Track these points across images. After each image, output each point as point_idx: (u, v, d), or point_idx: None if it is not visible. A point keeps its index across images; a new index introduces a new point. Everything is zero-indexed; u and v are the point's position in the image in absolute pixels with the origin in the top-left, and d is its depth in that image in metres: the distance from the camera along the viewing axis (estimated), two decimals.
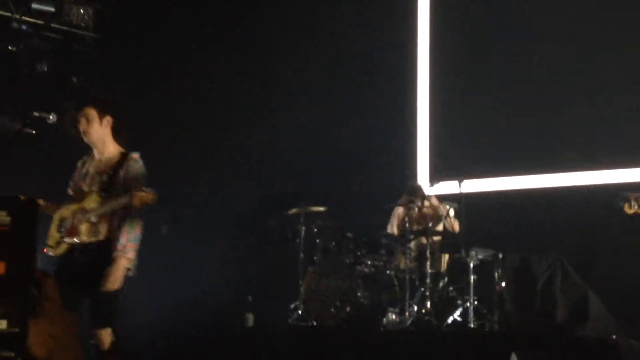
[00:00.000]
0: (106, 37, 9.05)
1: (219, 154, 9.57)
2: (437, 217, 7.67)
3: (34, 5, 8.47)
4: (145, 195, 4.54)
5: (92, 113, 4.80)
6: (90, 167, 4.87)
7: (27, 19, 8.61)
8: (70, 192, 4.90)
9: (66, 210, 4.74)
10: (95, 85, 8.47)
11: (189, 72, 9.59)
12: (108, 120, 4.85)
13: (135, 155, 4.84)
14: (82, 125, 4.79)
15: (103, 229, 4.67)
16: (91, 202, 4.67)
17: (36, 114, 4.65)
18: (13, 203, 1.22)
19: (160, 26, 9.62)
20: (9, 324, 1.24)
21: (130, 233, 4.63)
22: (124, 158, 4.81)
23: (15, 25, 8.52)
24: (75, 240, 4.60)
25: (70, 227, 4.65)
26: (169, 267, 9.02)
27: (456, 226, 7.58)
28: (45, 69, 8.49)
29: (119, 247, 4.59)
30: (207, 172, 9.50)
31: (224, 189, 9.34)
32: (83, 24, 8.78)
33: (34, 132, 7.28)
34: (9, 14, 8.50)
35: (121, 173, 4.74)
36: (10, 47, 8.50)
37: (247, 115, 9.48)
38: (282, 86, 9.33)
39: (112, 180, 4.72)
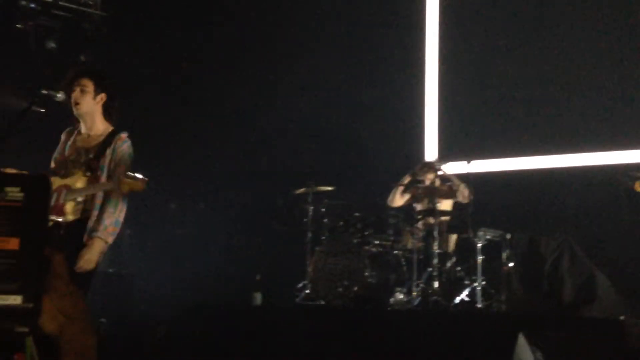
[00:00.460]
0: (114, 16, 9.03)
1: (228, 134, 9.58)
2: (449, 192, 7.60)
3: None
4: (133, 183, 4.42)
5: (89, 85, 4.71)
6: (77, 141, 4.76)
7: None
8: (53, 164, 4.78)
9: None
10: (103, 63, 8.47)
11: (198, 50, 9.58)
12: (102, 97, 4.75)
13: (124, 134, 4.73)
14: (76, 95, 4.68)
15: (86, 207, 4.56)
16: (77, 182, 4.56)
17: (44, 91, 4.60)
18: (26, 179, 1.21)
19: (168, 5, 9.60)
20: (24, 300, 1.24)
21: (113, 215, 4.53)
22: (112, 136, 4.69)
23: (23, 3, 8.51)
24: (61, 220, 4.47)
25: (56, 205, 4.49)
26: (177, 247, 9.06)
27: (466, 193, 7.47)
28: (54, 45, 8.48)
29: (100, 228, 4.48)
30: (215, 153, 9.51)
31: (233, 170, 9.36)
32: (91, 2, 8.76)
33: (42, 110, 7.29)
34: None
35: (108, 152, 4.63)
36: (18, 25, 8.50)
37: (257, 95, 9.47)
38: (292, 66, 9.31)
39: (99, 159, 4.61)
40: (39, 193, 1.19)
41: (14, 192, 1.20)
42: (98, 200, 4.56)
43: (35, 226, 1.22)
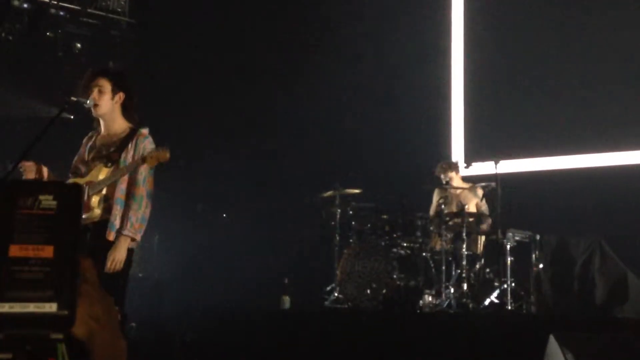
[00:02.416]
0: (141, 22, 9.12)
1: (254, 137, 9.61)
2: (472, 197, 7.61)
3: None
4: (158, 153, 4.39)
5: (106, 85, 4.64)
6: (97, 141, 4.73)
7: (65, 4, 8.72)
8: (75, 164, 4.75)
9: None
10: (131, 69, 8.55)
11: (226, 55, 9.62)
12: (120, 96, 4.68)
13: (145, 130, 4.68)
14: (94, 96, 4.61)
15: (111, 204, 4.49)
16: (99, 174, 4.51)
17: (74, 99, 4.64)
18: (58, 187, 1.23)
19: (196, 12, 9.66)
20: (59, 307, 1.25)
21: (138, 212, 4.47)
22: (133, 133, 4.65)
23: (53, 11, 8.62)
24: (87, 216, 4.40)
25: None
26: (205, 250, 9.10)
27: (485, 209, 7.54)
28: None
29: (127, 225, 4.43)
30: (242, 157, 9.54)
31: (260, 173, 9.38)
32: (119, 10, 8.86)
33: (71, 116, 7.37)
34: (46, 0, 8.62)
35: (130, 146, 4.59)
36: (48, 33, 8.61)
37: (285, 98, 9.48)
38: (320, 69, 9.33)
39: (120, 152, 4.55)
40: (72, 201, 1.20)
41: (47, 200, 1.21)
42: (120, 195, 4.51)
43: (68, 234, 1.23)
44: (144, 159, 4.43)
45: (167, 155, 4.42)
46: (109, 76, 4.73)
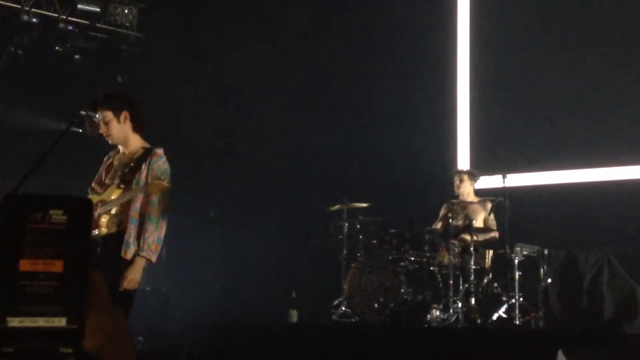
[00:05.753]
0: (150, 37, 9.17)
1: (263, 151, 9.62)
2: (480, 210, 7.60)
3: (80, 6, 8.63)
4: (159, 183, 4.46)
5: (108, 115, 4.68)
6: (115, 160, 4.81)
7: (73, 19, 8.79)
8: (93, 185, 4.82)
9: None
10: (139, 83, 8.59)
11: (234, 68, 9.64)
12: (125, 115, 4.72)
13: (159, 150, 4.72)
14: (102, 130, 4.70)
15: (122, 220, 4.56)
16: (111, 194, 4.58)
17: (83, 112, 4.66)
18: (69, 202, 1.24)
19: (204, 25, 9.70)
20: (68, 321, 1.26)
21: (155, 233, 4.53)
22: (147, 153, 4.70)
23: (62, 25, 8.69)
24: (96, 232, 4.46)
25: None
26: (213, 263, 9.10)
27: (492, 224, 7.52)
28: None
29: (144, 247, 4.49)
30: (251, 170, 9.55)
31: (268, 187, 9.39)
32: (127, 24, 8.92)
33: (80, 130, 7.38)
34: (55, 15, 8.69)
35: (144, 167, 4.63)
36: (57, 48, 8.67)
37: (291, 112, 9.50)
38: (326, 83, 9.35)
39: (134, 173, 4.61)
40: (82, 215, 1.21)
41: (58, 215, 1.22)
42: (134, 214, 4.55)
43: (78, 248, 1.24)
44: (147, 186, 4.49)
45: (167, 184, 4.51)
46: (105, 105, 4.72)
